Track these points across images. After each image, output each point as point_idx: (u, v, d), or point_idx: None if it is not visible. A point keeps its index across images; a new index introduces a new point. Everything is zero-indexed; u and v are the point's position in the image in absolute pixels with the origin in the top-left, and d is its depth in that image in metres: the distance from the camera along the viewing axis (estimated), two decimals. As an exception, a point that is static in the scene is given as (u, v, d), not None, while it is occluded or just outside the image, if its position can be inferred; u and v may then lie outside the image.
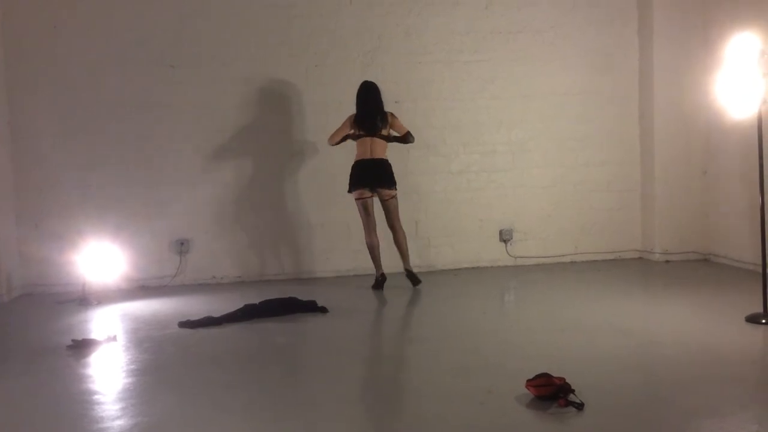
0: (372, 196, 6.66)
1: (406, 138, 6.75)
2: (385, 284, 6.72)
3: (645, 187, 7.92)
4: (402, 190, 6.79)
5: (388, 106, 6.85)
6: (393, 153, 6.85)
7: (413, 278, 6.73)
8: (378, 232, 6.80)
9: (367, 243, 6.76)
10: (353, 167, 6.67)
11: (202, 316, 5.77)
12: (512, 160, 7.79)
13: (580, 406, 3.63)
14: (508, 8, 7.69)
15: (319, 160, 7.45)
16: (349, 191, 6.69)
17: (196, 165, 7.37)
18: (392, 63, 7.51)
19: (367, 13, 7.53)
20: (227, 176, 7.43)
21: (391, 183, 6.65)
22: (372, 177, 6.60)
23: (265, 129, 7.43)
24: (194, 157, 7.37)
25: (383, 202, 6.67)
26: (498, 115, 7.74)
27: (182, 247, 7.35)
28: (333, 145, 6.74)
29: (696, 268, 7.32)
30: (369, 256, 6.80)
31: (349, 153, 6.81)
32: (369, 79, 6.88)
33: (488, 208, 7.77)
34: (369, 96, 6.72)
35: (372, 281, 6.81)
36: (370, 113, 6.65)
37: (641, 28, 7.83)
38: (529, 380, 3.84)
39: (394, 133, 6.73)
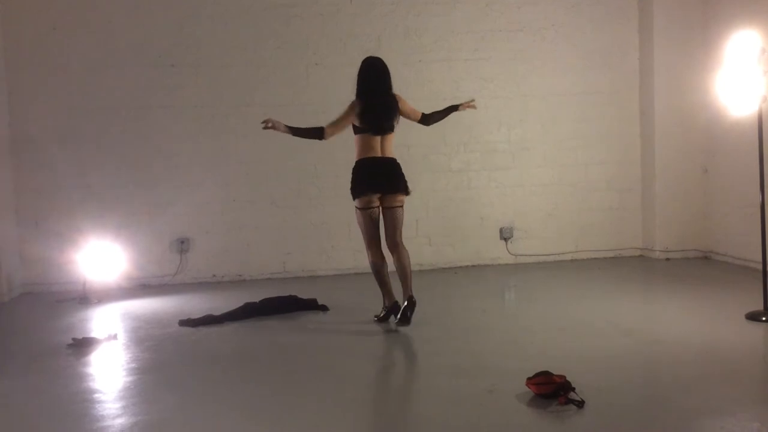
0: (379, 206, 5.38)
1: (431, 117, 5.61)
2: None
3: (645, 185, 7.92)
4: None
5: None
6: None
7: (411, 309, 5.24)
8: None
9: (373, 264, 5.42)
10: (359, 168, 5.34)
11: (202, 315, 5.79)
12: (512, 158, 7.79)
13: (580, 404, 3.63)
14: (507, 7, 7.70)
15: (319, 159, 7.45)
16: (354, 194, 5.36)
17: (196, 165, 7.38)
18: (392, 62, 7.39)
19: (367, 13, 7.54)
20: (227, 176, 7.43)
21: (404, 186, 5.39)
22: (384, 180, 5.32)
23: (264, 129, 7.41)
24: (194, 156, 7.37)
25: (389, 209, 5.37)
26: (498, 114, 7.75)
27: (182, 245, 7.35)
28: (328, 138, 5.43)
29: (696, 266, 7.33)
30: (376, 280, 5.48)
31: (352, 150, 5.61)
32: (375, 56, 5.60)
33: (489, 207, 7.78)
34: (380, 82, 5.38)
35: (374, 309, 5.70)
36: (383, 106, 5.35)
37: (641, 26, 7.83)
38: (529, 378, 3.85)
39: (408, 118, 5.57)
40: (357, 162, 5.37)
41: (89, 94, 7.20)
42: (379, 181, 5.31)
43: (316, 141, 5.59)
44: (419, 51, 7.59)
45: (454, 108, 5.72)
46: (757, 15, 6.62)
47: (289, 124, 5.40)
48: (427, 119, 5.63)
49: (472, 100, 5.81)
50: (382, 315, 5.56)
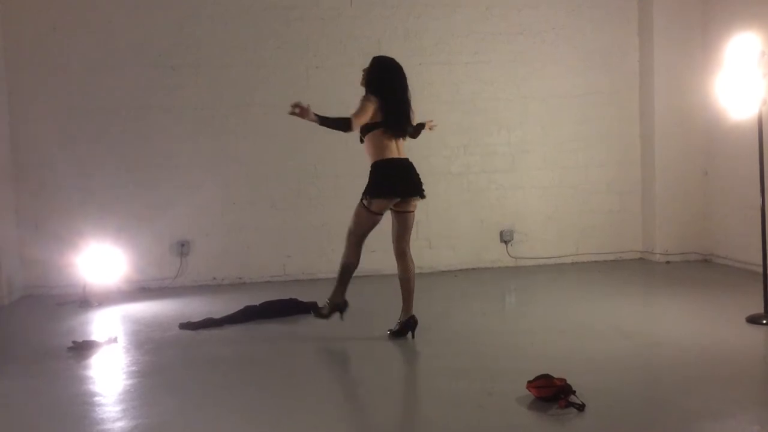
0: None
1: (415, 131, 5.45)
2: (387, 290, 6.04)
3: (645, 187, 7.92)
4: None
5: None
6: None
7: (413, 328, 5.13)
8: None
9: (351, 263, 5.14)
10: (387, 167, 4.96)
11: (202, 318, 5.78)
12: (512, 161, 7.79)
13: (580, 407, 3.63)
14: (507, 10, 7.70)
15: (319, 159, 7.45)
16: (377, 196, 4.93)
17: (196, 167, 7.37)
18: (392, 64, 7.50)
19: (367, 15, 7.54)
20: (227, 178, 7.43)
21: (422, 189, 5.13)
22: (407, 184, 5.01)
23: (265, 130, 7.43)
24: (194, 158, 7.37)
25: (403, 213, 5.09)
26: (498, 117, 7.75)
27: (183, 248, 7.34)
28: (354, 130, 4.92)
29: (697, 269, 7.33)
30: (342, 276, 5.20)
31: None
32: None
33: (489, 210, 7.78)
34: (405, 86, 5.17)
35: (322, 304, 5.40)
36: (404, 109, 5.11)
37: (641, 28, 7.84)
38: (529, 381, 3.84)
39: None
40: (382, 161, 4.98)
41: (89, 94, 7.19)
42: (404, 185, 5.00)
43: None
44: (419, 53, 7.58)
45: (421, 126, 5.51)
46: (757, 17, 6.62)
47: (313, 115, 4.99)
48: (414, 132, 5.43)
49: (431, 121, 5.62)
50: (325, 311, 5.27)
